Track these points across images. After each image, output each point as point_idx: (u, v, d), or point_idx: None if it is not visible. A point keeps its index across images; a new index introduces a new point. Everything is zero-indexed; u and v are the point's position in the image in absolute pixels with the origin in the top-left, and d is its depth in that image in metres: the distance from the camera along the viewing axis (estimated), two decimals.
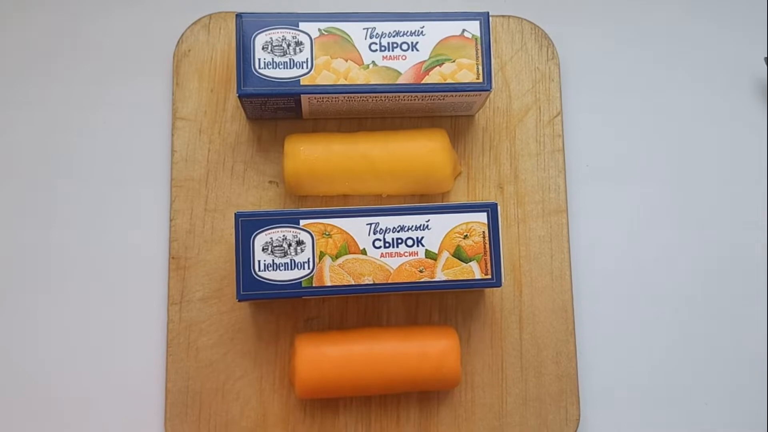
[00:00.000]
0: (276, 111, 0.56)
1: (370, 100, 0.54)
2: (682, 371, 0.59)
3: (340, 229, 0.51)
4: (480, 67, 0.54)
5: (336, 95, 0.53)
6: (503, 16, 0.61)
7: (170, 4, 0.61)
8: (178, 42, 0.59)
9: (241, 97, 0.52)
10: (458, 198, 0.58)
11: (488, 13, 0.54)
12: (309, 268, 0.51)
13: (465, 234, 0.52)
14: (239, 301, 0.51)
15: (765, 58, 0.61)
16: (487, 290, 0.57)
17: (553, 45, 0.61)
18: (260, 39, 0.53)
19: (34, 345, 0.56)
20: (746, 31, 0.64)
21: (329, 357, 0.52)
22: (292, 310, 0.56)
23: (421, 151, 0.55)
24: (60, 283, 0.57)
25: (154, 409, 0.56)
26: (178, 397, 0.55)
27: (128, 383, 0.56)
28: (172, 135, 0.58)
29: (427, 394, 0.56)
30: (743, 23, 0.64)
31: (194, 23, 0.59)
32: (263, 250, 0.51)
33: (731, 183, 0.61)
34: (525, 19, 0.61)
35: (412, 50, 0.54)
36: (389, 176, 0.55)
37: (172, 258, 0.56)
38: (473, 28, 0.54)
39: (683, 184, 0.61)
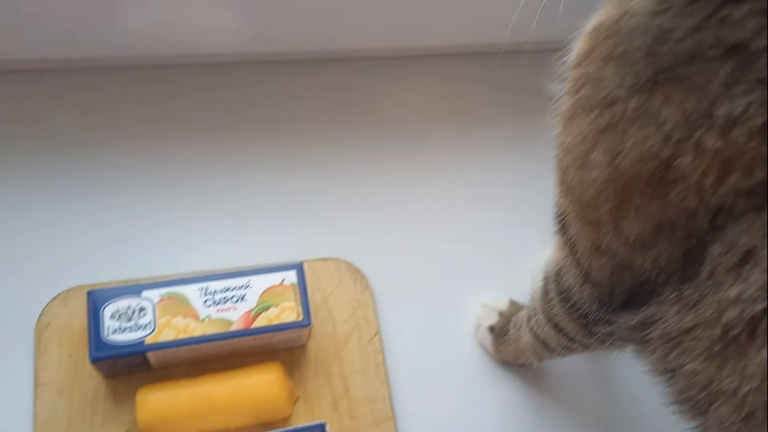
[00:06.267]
0: (128, 367, 0.64)
1: (209, 347, 0.64)
2: None
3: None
4: (299, 308, 0.65)
5: (177, 348, 0.62)
6: (324, 258, 0.74)
7: (31, 281, 0.70)
8: (40, 315, 0.67)
9: (93, 362, 0.61)
10: (298, 420, 0.67)
11: (302, 264, 0.67)
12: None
13: None
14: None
15: None
16: None
17: (365, 277, 0.74)
18: (109, 309, 0.62)
19: None
20: None
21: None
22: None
23: (258, 385, 0.64)
24: None
25: None
26: None
27: None
28: (35, 399, 0.64)
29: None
30: None
31: (54, 298, 0.68)
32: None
33: None
34: (341, 259, 0.74)
35: (241, 301, 0.65)
36: (232, 412, 0.63)
37: None
38: (291, 276, 0.66)
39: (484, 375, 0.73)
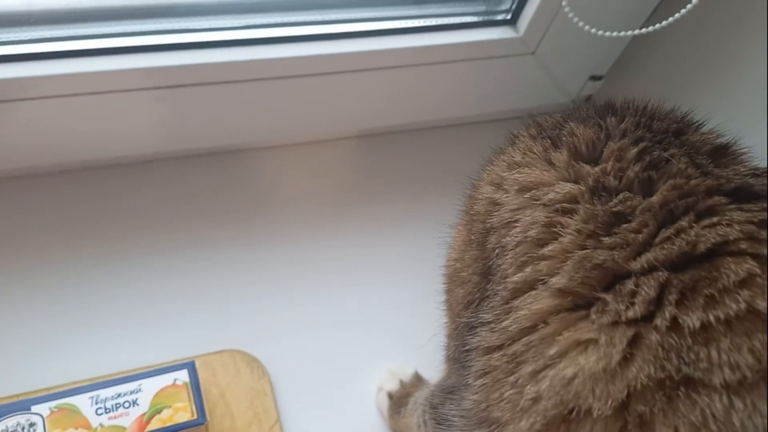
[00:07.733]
0: None
1: None
2: None
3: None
4: (193, 406, 0.66)
5: None
6: (218, 351, 0.76)
7: None
8: None
9: None
10: None
11: (193, 362, 0.68)
12: None
13: None
14: None
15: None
16: None
17: (263, 365, 0.76)
18: None
19: None
20: None
21: None
22: None
23: None
24: None
25: None
26: None
27: None
28: None
29: None
30: None
31: None
32: None
33: None
34: (236, 350, 0.76)
35: (133, 406, 0.65)
36: None
37: None
38: (183, 375, 0.68)
39: None
